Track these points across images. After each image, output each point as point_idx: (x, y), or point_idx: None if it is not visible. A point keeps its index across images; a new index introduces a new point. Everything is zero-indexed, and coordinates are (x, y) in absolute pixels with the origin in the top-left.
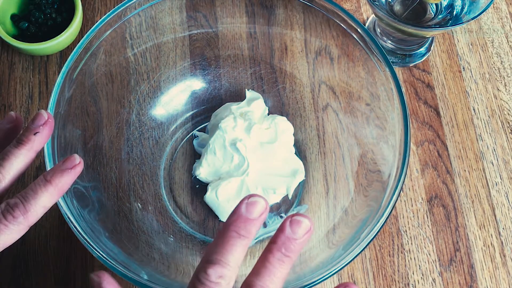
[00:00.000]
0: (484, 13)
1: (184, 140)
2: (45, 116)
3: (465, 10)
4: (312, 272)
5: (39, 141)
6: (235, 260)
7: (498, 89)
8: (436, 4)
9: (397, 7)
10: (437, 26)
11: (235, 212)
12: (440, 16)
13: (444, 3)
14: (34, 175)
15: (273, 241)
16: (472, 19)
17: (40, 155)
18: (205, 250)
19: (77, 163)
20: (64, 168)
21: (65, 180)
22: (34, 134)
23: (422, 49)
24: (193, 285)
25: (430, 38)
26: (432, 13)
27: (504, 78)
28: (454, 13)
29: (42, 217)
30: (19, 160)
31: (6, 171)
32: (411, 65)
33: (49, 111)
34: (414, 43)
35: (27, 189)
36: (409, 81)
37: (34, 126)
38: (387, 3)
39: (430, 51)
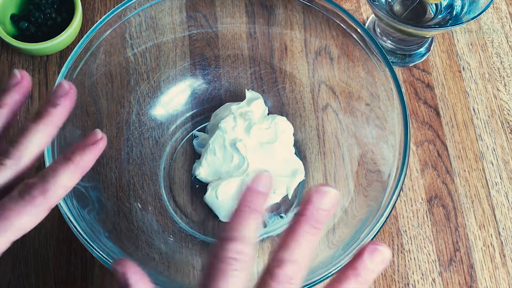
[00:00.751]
0: (484, 13)
1: (184, 140)
2: (67, 87)
3: (465, 10)
4: (312, 272)
5: (60, 114)
6: (250, 234)
7: (498, 89)
8: (436, 4)
9: (397, 7)
10: (437, 26)
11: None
12: (440, 16)
13: (444, 3)
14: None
15: (301, 213)
16: (472, 19)
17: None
18: (220, 229)
19: (99, 138)
20: (86, 144)
21: (88, 158)
22: (55, 107)
23: (422, 49)
24: (211, 265)
25: (430, 38)
26: (432, 13)
27: (504, 78)
28: (454, 13)
29: None
30: (38, 136)
31: (25, 148)
32: (411, 65)
33: (71, 83)
34: (414, 43)
35: (46, 169)
36: (409, 81)
37: (55, 97)
38: (387, 3)
39: (430, 51)
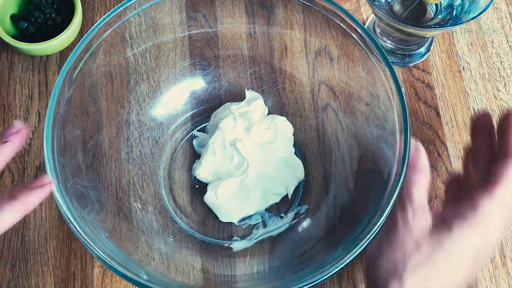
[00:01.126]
0: (484, 13)
1: (184, 140)
2: (18, 127)
3: (464, 10)
4: (312, 272)
5: (8, 150)
6: None
7: (497, 89)
8: (436, 4)
9: (397, 7)
10: (437, 26)
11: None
12: (440, 16)
13: (444, 3)
14: (33, 175)
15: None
16: (472, 19)
17: (40, 155)
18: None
19: (47, 182)
20: (34, 186)
21: (32, 198)
22: (4, 142)
23: (422, 49)
24: None
25: (430, 38)
26: (432, 13)
27: (503, 78)
28: (454, 13)
29: (42, 217)
30: None
31: None
32: (411, 65)
33: (24, 124)
34: (413, 43)
35: None
36: (409, 81)
37: (5, 135)
38: (387, 3)
39: (430, 51)
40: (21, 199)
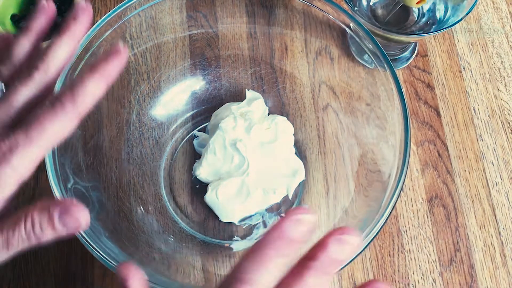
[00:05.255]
0: (484, 13)
1: (184, 140)
2: (84, 5)
3: (448, 13)
4: None
5: (80, 28)
6: (269, 282)
7: (498, 89)
8: (419, 8)
9: (379, 11)
10: (421, 32)
11: (279, 228)
12: (423, 20)
13: (426, 7)
14: (33, 175)
15: (313, 257)
16: (456, 23)
17: None
18: (236, 264)
19: (122, 49)
20: (109, 56)
21: (111, 68)
22: (74, 19)
23: (406, 53)
24: None
25: (414, 42)
26: (415, 16)
27: (504, 78)
28: (438, 16)
29: None
30: (62, 50)
31: (50, 61)
32: (397, 70)
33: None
34: (396, 49)
35: (74, 79)
36: (409, 81)
37: (72, 14)
38: (369, 8)
39: (415, 54)
40: (102, 70)
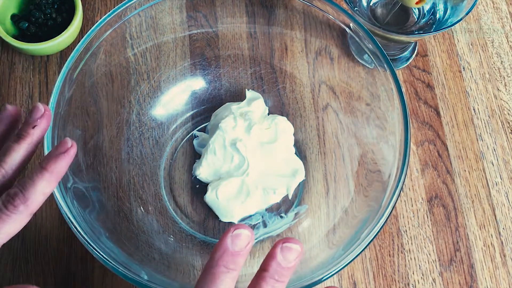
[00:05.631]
0: (484, 13)
1: (184, 140)
2: (42, 109)
3: (448, 13)
4: (312, 272)
5: (38, 134)
6: None
7: (498, 89)
8: (419, 8)
9: (379, 11)
10: (421, 32)
11: (221, 246)
12: (423, 20)
13: (427, 7)
14: None
15: (264, 268)
16: (456, 22)
17: (40, 154)
18: (195, 285)
19: (70, 146)
20: (58, 153)
21: (60, 165)
22: (33, 127)
23: (406, 53)
24: None
25: (414, 42)
26: (415, 17)
27: (504, 78)
28: (437, 16)
29: (42, 217)
30: (20, 154)
31: (9, 166)
32: (397, 69)
33: (45, 104)
34: (396, 49)
35: (25, 178)
36: (409, 81)
37: (32, 120)
38: (369, 8)
39: (415, 54)
40: (51, 169)
